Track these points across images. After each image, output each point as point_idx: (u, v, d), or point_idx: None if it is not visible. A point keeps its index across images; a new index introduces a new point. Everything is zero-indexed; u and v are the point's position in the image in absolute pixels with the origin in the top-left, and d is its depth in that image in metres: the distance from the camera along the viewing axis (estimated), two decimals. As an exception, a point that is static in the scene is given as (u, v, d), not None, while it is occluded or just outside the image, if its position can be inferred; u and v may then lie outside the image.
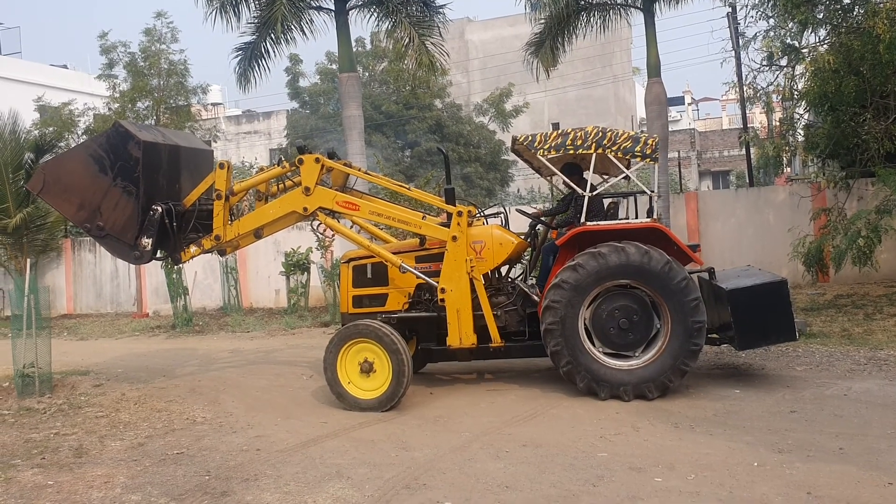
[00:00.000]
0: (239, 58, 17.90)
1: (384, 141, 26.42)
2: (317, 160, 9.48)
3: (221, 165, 9.72)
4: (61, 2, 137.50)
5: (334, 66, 27.21)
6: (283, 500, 5.99)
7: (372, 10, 17.61)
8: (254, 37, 17.68)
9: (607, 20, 17.47)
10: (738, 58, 19.94)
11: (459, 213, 9.08)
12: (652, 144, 8.87)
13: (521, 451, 6.95)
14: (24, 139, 21.95)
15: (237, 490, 6.27)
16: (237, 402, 9.56)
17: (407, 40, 17.16)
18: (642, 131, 39.11)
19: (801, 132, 16.09)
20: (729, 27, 21.66)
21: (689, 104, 58.38)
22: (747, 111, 21.47)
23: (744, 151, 22.94)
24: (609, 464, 6.52)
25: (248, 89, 18.25)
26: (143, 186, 9.39)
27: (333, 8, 17.69)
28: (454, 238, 9.00)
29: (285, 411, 9.00)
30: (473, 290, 9.03)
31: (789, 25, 14.18)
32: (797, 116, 15.84)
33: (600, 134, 9.01)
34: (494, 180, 29.02)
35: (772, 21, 14.58)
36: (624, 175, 9.85)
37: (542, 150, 9.15)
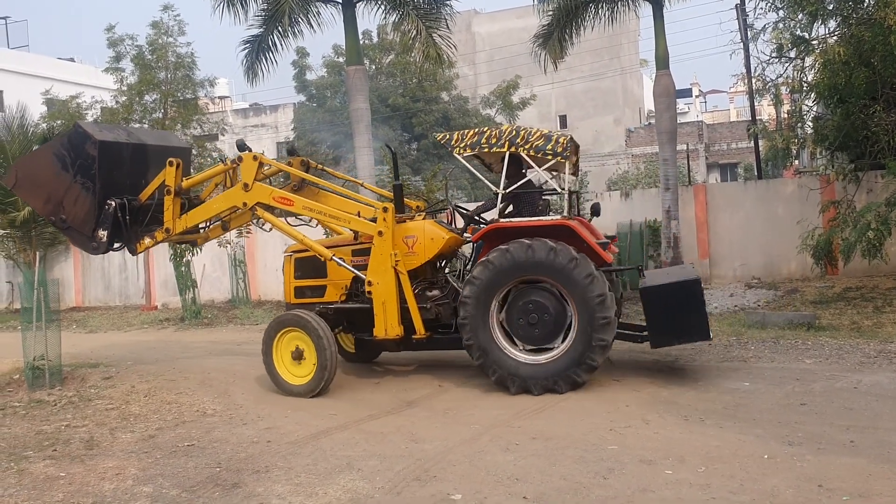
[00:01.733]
0: (246, 51, 17.88)
1: (391, 134, 26.39)
2: (254, 158, 9.91)
3: (171, 163, 10.13)
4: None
5: (341, 59, 27.17)
6: (295, 492, 6.01)
7: (379, 2, 17.55)
8: (261, 30, 17.65)
9: (616, 12, 17.37)
10: (746, 50, 19.85)
11: (385, 210, 9.34)
12: (563, 143, 8.93)
13: (530, 444, 6.96)
14: (31, 132, 22.01)
15: (248, 482, 6.29)
16: (247, 394, 9.59)
17: (414, 33, 17.11)
18: (649, 123, 39.03)
19: (811, 124, 16.00)
20: (737, 19, 21.54)
21: (697, 96, 58.15)
22: (756, 103, 21.34)
23: (752, 144, 22.85)
24: (619, 456, 6.52)
25: (255, 82, 18.22)
26: (100, 183, 9.96)
27: (340, 1, 17.65)
28: (380, 233, 9.28)
29: (295, 403, 9.02)
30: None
31: (799, 17, 14.07)
32: (806, 108, 15.76)
33: (514, 133, 9.16)
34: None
35: (781, 12, 14.47)
36: (557, 173, 10.11)
37: (458, 149, 9.43)
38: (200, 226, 10.58)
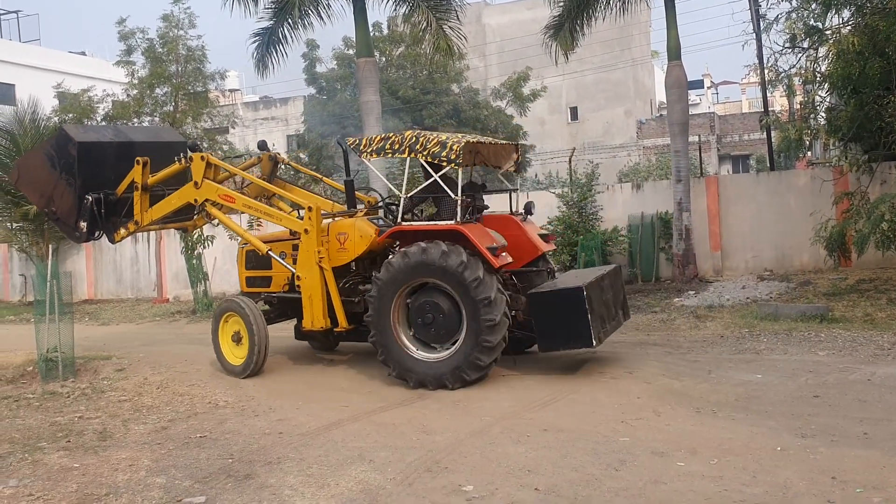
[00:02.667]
0: (256, 43, 17.88)
1: (401, 126, 26.31)
2: (202, 158, 10.71)
3: (137, 161, 10.90)
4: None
5: (351, 52, 27.08)
6: (307, 483, 6.03)
7: (389, -6, 17.51)
8: (271, 22, 17.65)
9: (627, 3, 17.28)
10: (759, 40, 19.69)
11: (310, 209, 9.87)
12: (456, 150, 9.07)
13: (541, 436, 6.95)
14: (43, 126, 22.06)
15: (260, 473, 6.32)
16: (258, 386, 9.63)
17: (424, 24, 17.06)
18: (660, 115, 38.86)
19: (824, 115, 15.87)
20: (750, 9, 21.36)
21: (709, 87, 57.80)
22: (768, 94, 21.18)
23: (764, 135, 22.70)
24: (631, 448, 6.51)
25: (265, 75, 18.25)
26: (80, 179, 10.95)
27: (351, -8, 17.61)
28: (305, 231, 9.86)
29: (306, 395, 9.06)
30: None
31: (812, 6, 13.96)
32: (819, 99, 15.62)
33: (414, 139, 9.44)
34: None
35: (794, 2, 14.37)
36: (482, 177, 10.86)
37: (365, 154, 9.85)
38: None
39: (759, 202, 16.99)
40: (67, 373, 10.49)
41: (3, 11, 43.16)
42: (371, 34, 19.12)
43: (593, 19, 17.43)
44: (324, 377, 9.96)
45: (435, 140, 9.29)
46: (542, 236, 10.23)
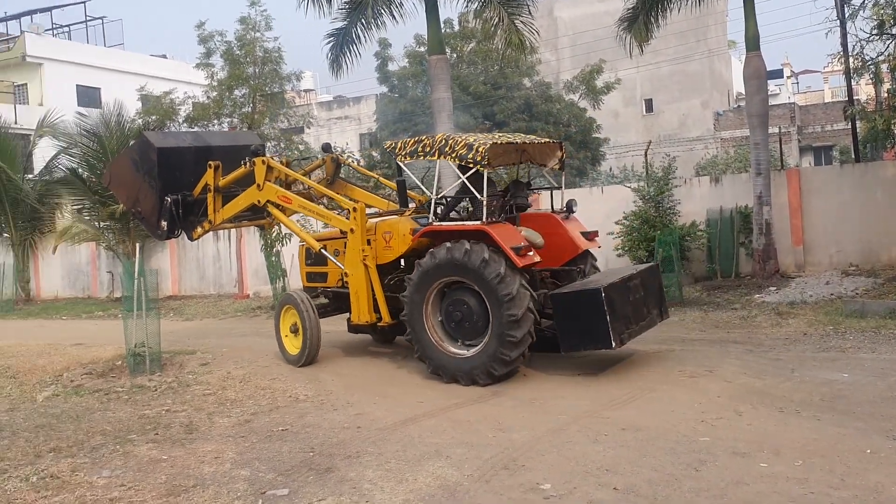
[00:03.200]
0: (331, 44, 18.16)
1: (472, 122, 26.34)
2: (263, 162, 11.35)
3: (209, 165, 11.69)
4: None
5: (422, 49, 27.23)
6: (385, 477, 6.12)
7: (461, -10, 17.55)
8: (345, 23, 17.90)
9: (703, -8, 16.89)
10: (843, 27, 18.92)
11: (354, 209, 10.38)
12: (482, 151, 9.23)
13: (620, 435, 6.89)
14: (128, 128, 22.92)
15: (340, 466, 6.45)
16: (336, 380, 9.81)
17: (496, 20, 17.03)
18: (738, 106, 37.80)
19: (914, 103, 15.20)
20: (833, -6, 20.60)
21: (789, 77, 55.94)
22: (853, 83, 20.39)
23: (849, 125, 21.86)
24: (711, 448, 6.40)
25: (339, 75, 18.52)
26: (160, 182, 11.81)
27: (422, -10, 17.71)
28: (351, 230, 10.35)
29: (382, 390, 9.19)
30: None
31: (902, -9, 13.39)
32: (909, 87, 14.97)
33: (443, 142, 9.71)
34: (585, 159, 28.55)
35: (882, -13, 13.79)
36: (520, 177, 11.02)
37: (400, 156, 10.14)
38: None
39: (843, 195, 16.38)
40: (154, 367, 10.88)
41: (89, 18, 44.93)
42: (442, 31, 19.18)
43: (668, 10, 17.10)
44: (400, 373, 10.07)
45: (463, 142, 9.49)
46: (584, 234, 10.24)
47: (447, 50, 23.07)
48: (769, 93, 23.14)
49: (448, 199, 10.29)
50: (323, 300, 11.46)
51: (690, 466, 6.01)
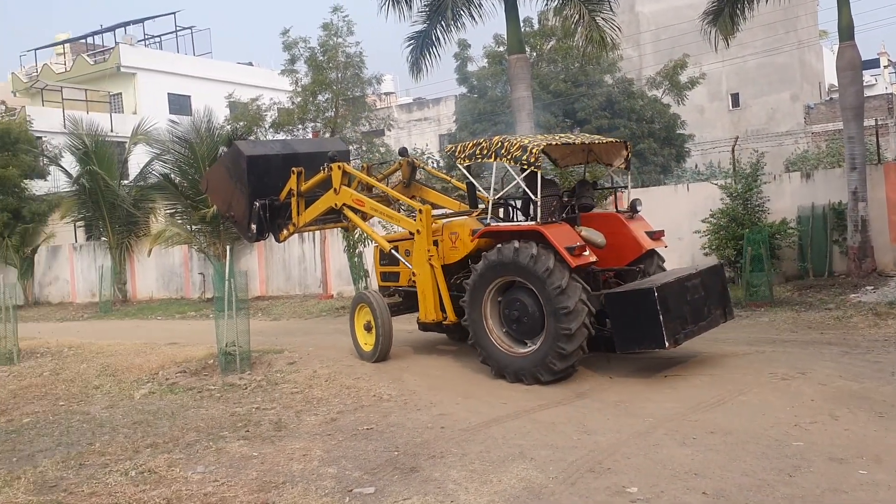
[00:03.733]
0: (411, 47, 18.33)
1: (553, 120, 26.15)
2: (339, 167, 11.81)
3: (292, 171, 12.23)
4: (245, 1, 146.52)
5: (502, 49, 27.21)
6: (469, 478, 6.14)
7: (541, -11, 17.45)
8: (424, 25, 18.03)
9: (793, -19, 16.34)
10: (945, 12, 18.03)
11: (420, 211, 10.67)
12: (535, 153, 9.38)
13: (708, 438, 6.73)
14: (217, 134, 23.64)
15: (425, 466, 6.50)
16: (419, 380, 9.89)
17: (576, 17, 16.85)
18: (830, 99, 36.35)
19: None
20: (934, -22, 19.62)
21: (886, 66, 53.53)
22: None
23: (953, 115, 20.77)
24: (806, 454, 6.18)
25: (419, 77, 18.66)
26: (250, 188, 12.47)
27: (502, -10, 17.70)
28: (417, 231, 10.66)
29: (465, 391, 9.21)
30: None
31: None
32: None
33: (499, 144, 9.80)
34: (669, 156, 28.00)
35: None
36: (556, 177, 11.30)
37: (459, 160, 10.35)
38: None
39: (947, 189, 15.56)
40: (244, 366, 11.21)
41: (179, 28, 46.56)
42: (521, 30, 19.11)
43: (756, 2, 16.59)
44: (482, 373, 10.05)
45: (518, 144, 9.60)
46: (650, 234, 10.16)
47: (527, 49, 22.97)
48: (864, 84, 22.17)
49: (514, 201, 10.39)
50: (396, 299, 11.77)
51: (784, 472, 5.82)
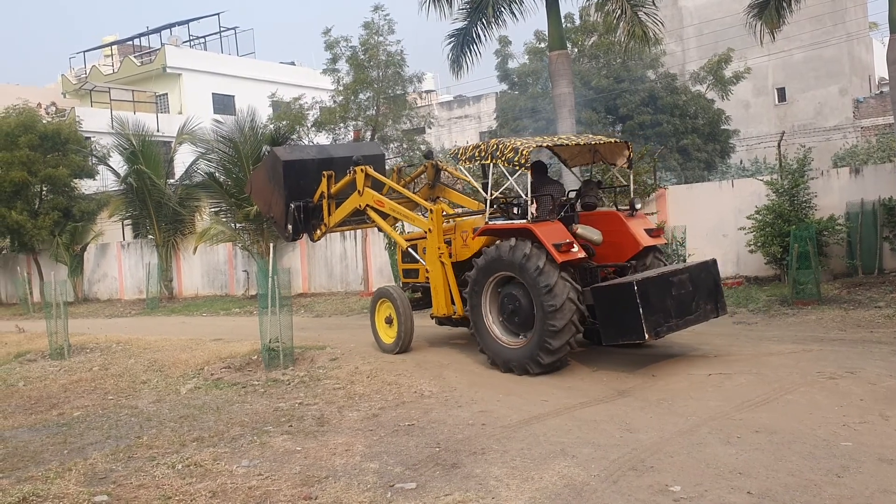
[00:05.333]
0: (451, 44, 18.36)
1: (595, 117, 25.98)
2: (362, 170, 12.45)
3: (324, 175, 13.01)
4: (287, 1, 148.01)
5: (543, 45, 27.12)
6: (511, 475, 6.14)
7: (582, -16, 17.35)
8: (465, 23, 18.05)
9: (841, -28, 15.98)
10: None
11: (431, 211, 11.21)
12: (526, 154, 9.76)
13: (753, 437, 6.63)
14: (260, 133, 23.92)
15: (466, 463, 6.52)
16: (460, 377, 9.91)
17: (618, 12, 16.71)
18: (881, 92, 35.48)
19: None
20: None
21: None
22: None
23: None
24: (854, 454, 6.06)
25: (459, 75, 18.70)
26: (286, 191, 13.21)
27: (543, -14, 17.63)
28: (429, 230, 11.19)
29: (506, 388, 9.20)
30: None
31: None
32: None
33: (495, 147, 10.22)
34: (714, 152, 27.62)
35: None
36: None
37: (461, 161, 10.86)
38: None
39: None
40: (287, 361, 11.34)
41: (223, 29, 47.26)
42: (563, 26, 19.01)
43: (802, -6, 16.28)
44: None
45: (510, 146, 9.99)
46: (648, 231, 10.43)
47: (568, 45, 22.85)
48: (916, 76, 21.59)
49: (520, 200, 10.58)
50: (416, 294, 12.31)
51: (831, 472, 5.72)
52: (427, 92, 42.11)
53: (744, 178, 19.58)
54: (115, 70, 44.50)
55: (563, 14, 18.68)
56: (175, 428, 8.39)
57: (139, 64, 43.74)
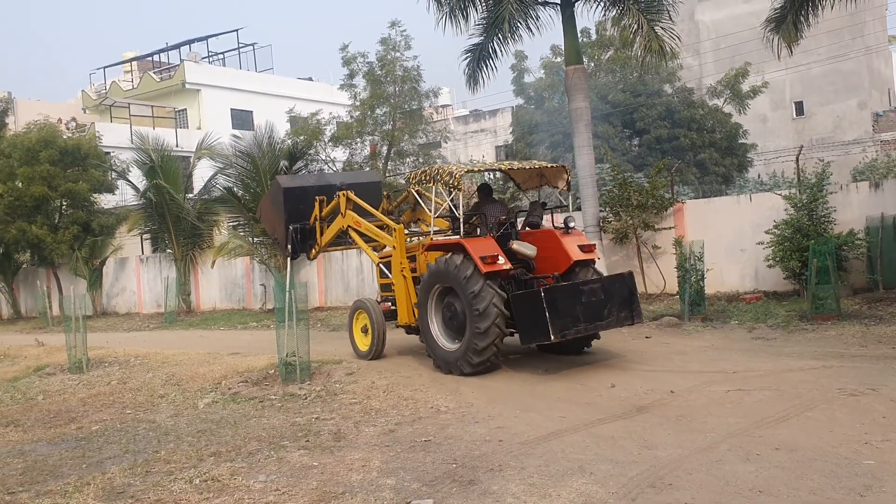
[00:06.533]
0: (468, 59, 18.40)
1: (611, 131, 25.98)
2: (344, 195, 13.72)
3: (315, 200, 14.37)
4: (305, 18, 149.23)
5: (559, 60, 27.17)
6: (528, 492, 6.10)
7: (598, 0, 17.36)
8: (481, 38, 18.09)
9: (859, -14, 15.89)
10: None
11: (394, 230, 12.52)
12: (458, 177, 11.19)
13: (773, 455, 6.56)
14: (278, 148, 24.08)
15: (483, 479, 6.48)
16: (477, 392, 9.88)
17: (635, 27, 16.70)
18: (899, 106, 35.27)
19: None
20: None
21: (959, 71, 51.67)
22: None
23: None
24: (877, 472, 5.98)
25: (476, 90, 18.71)
26: (286, 215, 14.69)
27: (559, 2, 17.67)
28: (393, 247, 12.61)
29: (523, 404, 9.16)
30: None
31: None
32: None
33: (437, 171, 11.60)
34: (731, 166, 27.52)
35: None
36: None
37: (412, 185, 12.39)
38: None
39: None
40: (304, 376, 11.36)
41: (241, 45, 47.66)
42: (579, 40, 19.03)
43: (820, 8, 16.19)
44: (541, 386, 10.03)
45: (446, 171, 11.39)
46: (581, 247, 11.50)
47: (584, 59, 22.88)
48: (936, 89, 21.41)
49: (471, 217, 11.92)
50: (393, 307, 13.12)
51: (854, 491, 5.64)
52: (443, 106, 42.30)
53: (762, 192, 19.46)
54: (135, 86, 44.98)
55: (579, 29, 18.69)
56: (193, 442, 8.41)
57: (158, 80, 44.18)
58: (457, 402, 9.40)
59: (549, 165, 12.45)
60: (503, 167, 12.55)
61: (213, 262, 26.17)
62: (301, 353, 11.48)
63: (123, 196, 29.71)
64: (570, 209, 12.19)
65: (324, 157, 26.89)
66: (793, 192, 15.82)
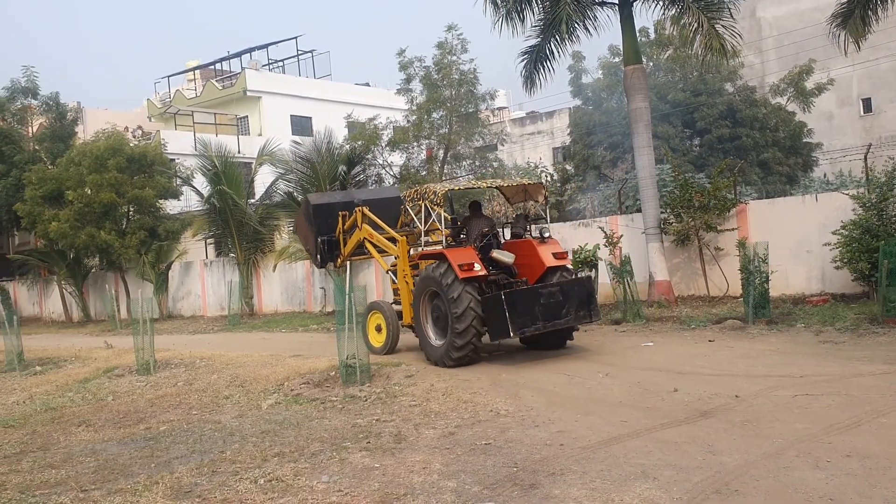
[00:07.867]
0: (524, 61, 18.37)
1: (671, 131, 25.59)
2: (359, 210, 15.64)
3: (338, 214, 16.39)
4: (362, 25, 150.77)
5: (617, 60, 26.89)
6: (591, 497, 6.05)
7: (657, -1, 17.15)
8: (538, 39, 18.04)
9: (931, -23, 15.34)
10: None
11: (398, 241, 14.18)
12: (441, 195, 12.77)
13: (844, 462, 6.38)
14: (337, 154, 24.38)
15: (544, 483, 6.45)
16: (536, 396, 9.84)
17: (695, 25, 16.45)
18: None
19: None
20: None
21: None
22: None
23: None
24: (956, 482, 5.76)
25: (532, 92, 18.66)
26: (315, 228, 16.83)
27: (617, 1, 17.51)
28: (397, 257, 14.31)
29: (584, 408, 9.09)
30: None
31: None
32: None
33: (424, 191, 13.12)
34: (796, 165, 26.83)
35: None
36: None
37: (408, 203, 13.67)
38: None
39: None
40: (364, 378, 11.47)
41: (300, 52, 48.42)
42: (638, 40, 18.81)
43: (890, 2, 15.70)
44: (601, 390, 9.94)
45: (431, 190, 12.92)
46: (555, 254, 12.76)
47: (643, 58, 22.60)
48: None
49: (463, 230, 13.61)
50: (399, 308, 14.39)
51: (930, 501, 5.45)
52: (500, 109, 42.21)
53: (828, 192, 18.92)
54: (198, 94, 46.05)
55: (637, 28, 18.48)
56: (257, 443, 8.57)
57: (221, 88, 45.15)
58: (516, 406, 9.38)
59: (529, 182, 14.14)
60: (485, 184, 14.73)
61: (275, 266, 26.60)
62: (361, 356, 11.60)
63: (188, 202, 30.41)
64: (548, 221, 14.25)
65: (381, 162, 27.10)
66: (861, 191, 15.36)
